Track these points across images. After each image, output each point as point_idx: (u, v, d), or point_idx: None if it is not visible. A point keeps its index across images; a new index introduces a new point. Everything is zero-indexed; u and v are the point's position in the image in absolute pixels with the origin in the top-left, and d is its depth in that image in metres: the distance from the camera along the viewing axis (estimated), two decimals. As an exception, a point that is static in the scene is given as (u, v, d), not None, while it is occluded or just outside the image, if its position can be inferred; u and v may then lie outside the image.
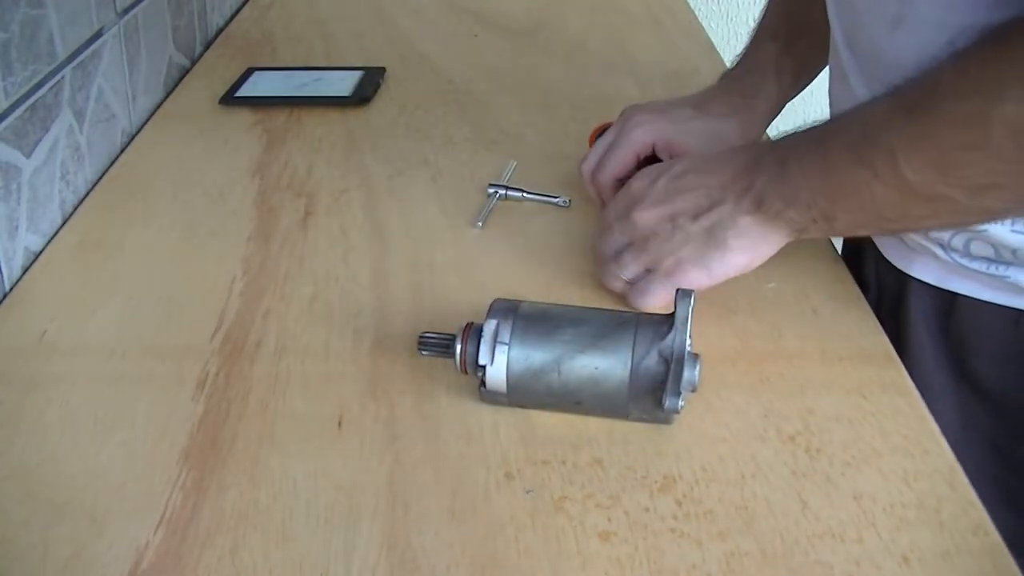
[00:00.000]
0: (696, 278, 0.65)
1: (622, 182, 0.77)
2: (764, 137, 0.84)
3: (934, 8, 0.56)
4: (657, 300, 0.66)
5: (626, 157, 0.78)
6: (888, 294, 0.71)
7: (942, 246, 0.66)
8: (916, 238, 0.67)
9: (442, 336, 0.61)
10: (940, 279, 0.68)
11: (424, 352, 0.61)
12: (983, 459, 0.57)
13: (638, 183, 0.68)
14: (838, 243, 0.79)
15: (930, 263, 0.68)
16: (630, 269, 0.68)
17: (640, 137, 0.78)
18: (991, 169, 0.51)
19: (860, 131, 0.57)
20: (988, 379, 0.69)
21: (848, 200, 0.58)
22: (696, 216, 0.65)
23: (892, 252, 0.71)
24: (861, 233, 0.66)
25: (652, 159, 0.79)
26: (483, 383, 0.58)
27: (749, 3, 2.00)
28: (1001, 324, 0.67)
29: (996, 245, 0.63)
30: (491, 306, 0.59)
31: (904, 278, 0.71)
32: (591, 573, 0.49)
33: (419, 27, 1.25)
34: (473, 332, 0.59)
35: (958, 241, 0.65)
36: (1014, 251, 0.62)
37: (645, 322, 0.57)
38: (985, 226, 0.62)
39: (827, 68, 0.74)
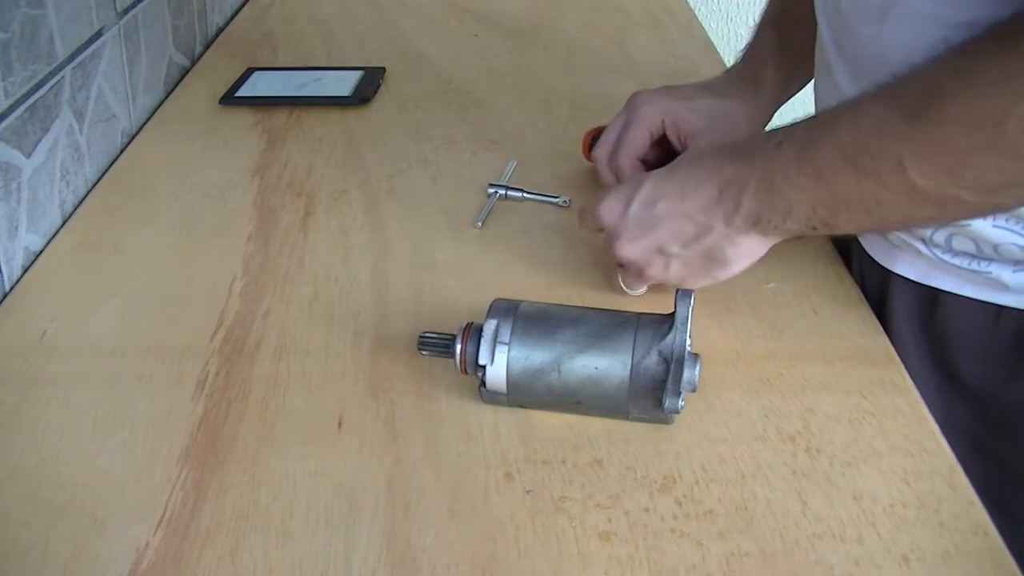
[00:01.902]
0: (704, 284, 0.66)
1: (642, 162, 0.79)
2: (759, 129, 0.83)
3: (926, 2, 0.56)
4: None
5: (639, 136, 0.78)
6: (872, 291, 0.71)
7: (924, 242, 0.66)
8: (899, 234, 0.67)
9: (442, 336, 0.61)
10: (923, 275, 0.68)
11: (424, 352, 0.61)
12: (964, 456, 0.57)
13: (608, 214, 0.67)
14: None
15: (913, 260, 0.68)
16: (635, 287, 0.69)
17: (649, 114, 0.78)
18: (1006, 169, 0.50)
19: (853, 138, 0.56)
20: (969, 375, 0.70)
21: (850, 209, 0.57)
22: (686, 244, 0.64)
23: (875, 249, 0.71)
24: (865, 232, 0.66)
25: (665, 141, 0.79)
26: (483, 383, 0.58)
27: (749, 3, 2.00)
28: (982, 320, 0.67)
29: (977, 240, 0.63)
30: (491, 306, 0.59)
31: (887, 275, 0.70)
32: (591, 573, 0.49)
33: (419, 27, 1.25)
34: (473, 332, 0.59)
35: (940, 237, 0.65)
36: (995, 247, 0.62)
37: (645, 322, 0.57)
38: (967, 221, 0.62)
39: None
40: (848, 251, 0.76)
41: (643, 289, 0.70)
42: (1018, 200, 0.54)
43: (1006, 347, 0.67)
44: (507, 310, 0.59)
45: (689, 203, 0.63)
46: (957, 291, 0.67)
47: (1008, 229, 0.61)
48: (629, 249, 0.66)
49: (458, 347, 0.59)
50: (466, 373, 0.59)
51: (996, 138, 0.49)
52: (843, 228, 0.60)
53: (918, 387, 0.62)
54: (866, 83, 0.57)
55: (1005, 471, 0.68)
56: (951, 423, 0.62)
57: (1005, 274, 0.64)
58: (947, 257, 0.66)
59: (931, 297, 0.69)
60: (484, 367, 0.57)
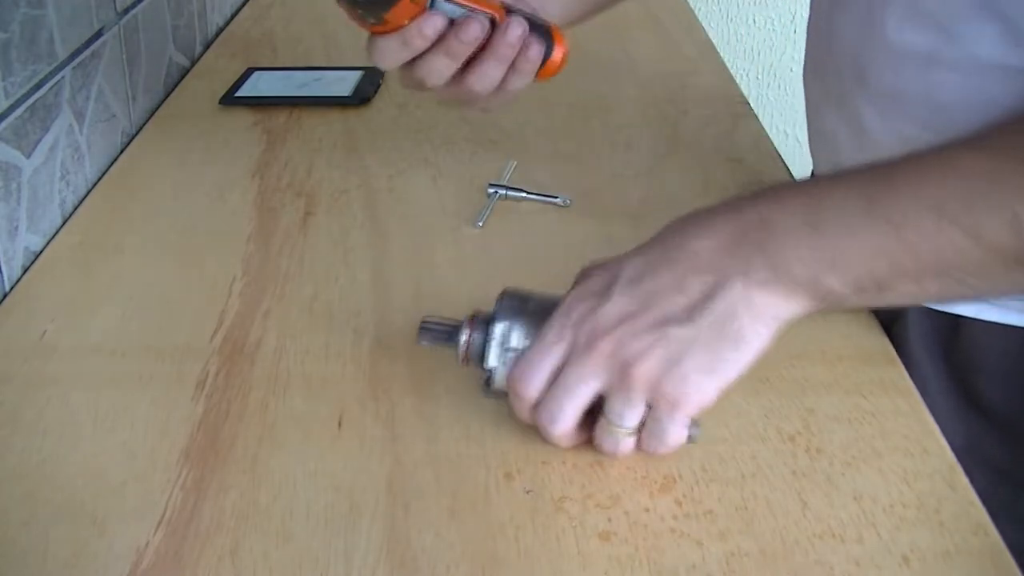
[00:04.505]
0: (708, 391, 0.51)
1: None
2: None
3: (985, 48, 0.54)
4: (676, 439, 0.53)
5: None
6: (885, 316, 0.68)
7: None
8: None
9: (446, 324, 0.59)
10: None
11: (424, 341, 0.59)
12: (990, 486, 0.54)
13: (579, 305, 0.52)
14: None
15: None
16: (628, 416, 0.52)
17: None
18: None
19: (952, 186, 0.47)
20: (995, 401, 0.67)
21: (920, 263, 0.48)
22: (691, 315, 0.50)
23: None
24: (914, 303, 0.55)
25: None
26: (488, 382, 0.57)
27: (749, 3, 2.00)
28: (1009, 344, 0.64)
29: None
30: (501, 301, 0.57)
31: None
32: (591, 573, 0.49)
33: (419, 27, 1.25)
34: (479, 323, 0.57)
35: None
36: None
37: None
38: None
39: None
40: None
41: (630, 438, 0.54)
42: None
43: None
44: (517, 311, 0.56)
45: (693, 254, 0.50)
46: (981, 316, 0.64)
47: None
48: (617, 343, 0.50)
49: (463, 338, 0.57)
50: (467, 364, 0.58)
51: None
52: (895, 294, 0.50)
53: (938, 415, 0.59)
54: (905, 122, 0.55)
55: None
56: (975, 451, 0.59)
57: None
58: None
59: (952, 322, 0.66)
60: (493, 370, 0.56)
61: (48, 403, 0.61)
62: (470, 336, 0.57)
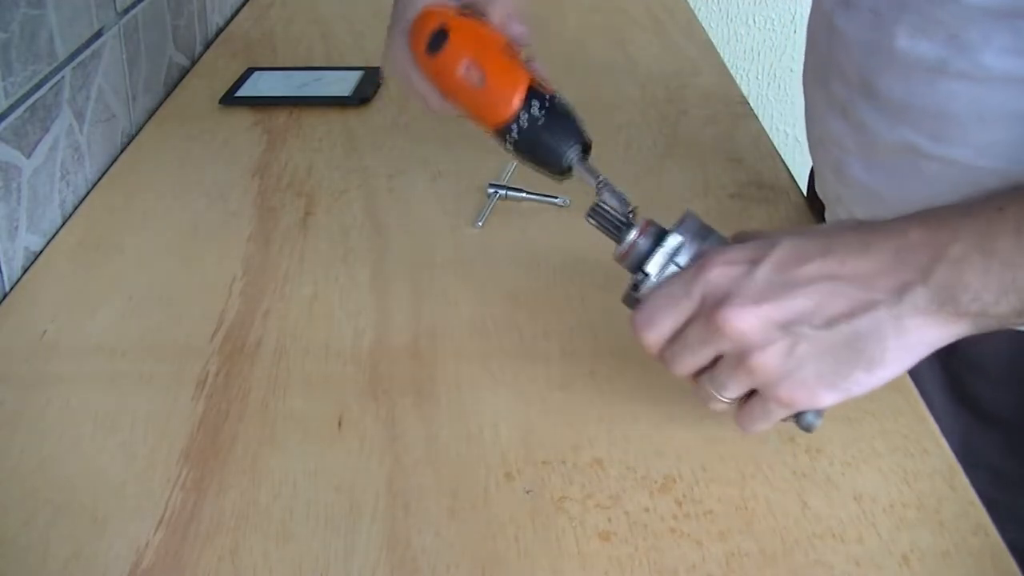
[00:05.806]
0: (822, 401, 0.49)
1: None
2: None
3: (996, 58, 0.54)
4: (772, 425, 0.52)
5: None
6: None
7: None
8: None
9: (617, 216, 0.56)
10: None
11: (592, 220, 0.56)
12: (988, 484, 0.54)
13: (718, 269, 0.50)
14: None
15: None
16: (730, 390, 0.51)
17: None
18: None
19: None
20: (992, 402, 0.67)
21: None
22: (829, 323, 0.48)
23: None
24: None
25: None
26: (636, 287, 0.54)
27: (749, 3, 2.00)
28: (1008, 346, 0.63)
29: None
30: (684, 219, 0.54)
31: None
32: (591, 573, 0.49)
33: (419, 27, 1.25)
34: (653, 231, 0.55)
35: None
36: None
37: None
38: None
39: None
40: None
41: (724, 405, 0.53)
42: None
43: None
44: (697, 235, 0.54)
45: (849, 266, 0.48)
46: None
47: None
48: (743, 320, 0.48)
49: (631, 236, 0.55)
50: (622, 262, 0.55)
51: None
52: None
53: (935, 416, 0.59)
54: (913, 131, 0.55)
55: None
56: (972, 453, 0.59)
57: None
58: None
59: None
60: (647, 276, 0.54)
61: (48, 403, 0.61)
62: (638, 239, 0.55)
